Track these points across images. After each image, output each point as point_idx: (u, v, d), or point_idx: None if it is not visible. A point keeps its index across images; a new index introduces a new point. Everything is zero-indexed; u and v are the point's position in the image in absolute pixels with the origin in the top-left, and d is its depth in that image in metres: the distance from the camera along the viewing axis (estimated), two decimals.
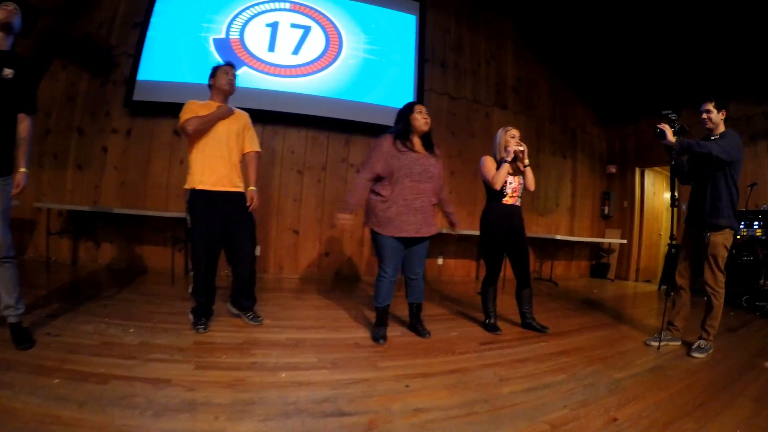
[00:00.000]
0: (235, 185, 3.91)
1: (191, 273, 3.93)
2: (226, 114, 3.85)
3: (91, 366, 2.79)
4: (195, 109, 3.74)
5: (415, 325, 4.19)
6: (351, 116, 7.38)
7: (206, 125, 3.74)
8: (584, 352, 3.85)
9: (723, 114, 4.03)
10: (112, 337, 3.42)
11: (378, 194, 3.85)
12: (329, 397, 2.62)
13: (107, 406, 2.28)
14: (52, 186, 6.57)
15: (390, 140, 3.83)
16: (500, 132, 4.52)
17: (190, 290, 4.03)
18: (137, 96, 6.66)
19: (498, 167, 4.35)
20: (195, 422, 2.23)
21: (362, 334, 4.05)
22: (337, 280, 7.14)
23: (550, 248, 9.01)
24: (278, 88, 7.12)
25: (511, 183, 4.41)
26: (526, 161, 4.43)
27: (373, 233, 3.88)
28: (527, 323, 4.62)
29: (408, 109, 3.96)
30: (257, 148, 4.15)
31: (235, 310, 4.22)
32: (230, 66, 4.01)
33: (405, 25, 8.13)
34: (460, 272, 8.43)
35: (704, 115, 4.04)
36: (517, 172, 4.47)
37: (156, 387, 2.57)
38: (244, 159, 4.10)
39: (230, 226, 3.90)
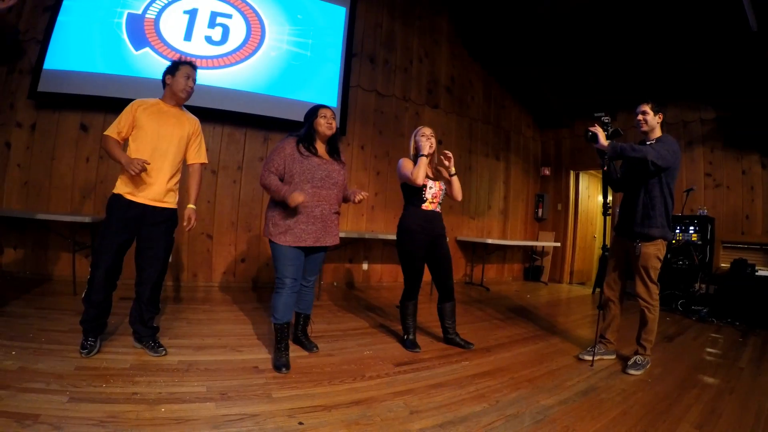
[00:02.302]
0: (165, 200, 3.53)
1: (89, 277, 3.48)
2: (132, 170, 3.26)
3: None
4: (129, 120, 3.42)
5: (300, 338, 3.98)
6: (271, 112, 6.94)
7: (111, 157, 3.38)
8: (510, 373, 3.55)
9: (660, 117, 3.87)
10: None
11: (277, 202, 3.61)
12: None
13: None
14: None
15: (293, 143, 3.64)
16: (414, 133, 4.32)
17: (83, 295, 3.58)
18: (43, 87, 6.04)
19: (415, 162, 4.11)
20: None
21: (265, 354, 3.68)
22: (254, 288, 6.70)
23: (482, 252, 8.83)
24: None
25: (431, 188, 4.15)
26: (453, 169, 4.20)
27: (271, 243, 3.60)
28: (450, 339, 4.31)
29: (312, 112, 3.78)
30: (204, 160, 3.79)
31: (138, 345, 3.65)
32: (193, 68, 3.63)
33: (334, 17, 7.73)
34: (387, 277, 8.11)
35: (639, 117, 3.88)
36: (437, 177, 4.25)
37: (21, 424, 2.24)
38: (187, 170, 3.76)
39: (143, 242, 3.54)
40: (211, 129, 6.74)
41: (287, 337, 3.59)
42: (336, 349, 3.91)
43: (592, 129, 3.77)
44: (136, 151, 3.40)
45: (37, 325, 3.88)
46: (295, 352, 3.73)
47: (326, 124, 3.66)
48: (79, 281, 5.34)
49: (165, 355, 3.47)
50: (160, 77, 3.55)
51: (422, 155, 4.04)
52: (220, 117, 6.72)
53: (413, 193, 4.16)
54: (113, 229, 3.38)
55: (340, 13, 7.76)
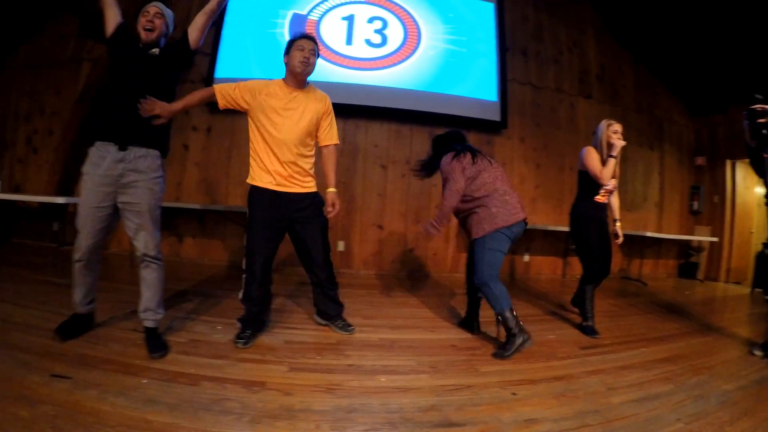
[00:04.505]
0: (302, 185, 3.49)
1: (243, 276, 3.56)
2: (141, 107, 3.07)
3: (180, 365, 2.81)
4: (245, 96, 3.40)
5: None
6: (434, 108, 7.27)
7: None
8: (688, 360, 3.68)
9: None
10: (200, 334, 3.45)
11: None
12: (435, 404, 2.56)
13: (200, 411, 2.27)
14: None
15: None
16: (603, 125, 4.35)
17: (240, 296, 3.74)
18: None
19: (604, 162, 4.23)
20: (295, 431, 2.20)
21: (457, 335, 4.00)
22: (422, 277, 7.04)
23: (639, 246, 8.62)
24: (358, 81, 7.15)
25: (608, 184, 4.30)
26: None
27: None
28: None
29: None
30: (335, 140, 3.64)
31: (322, 321, 3.90)
32: (307, 39, 3.42)
33: (483, 12, 7.95)
34: (546, 269, 8.21)
35: None
36: (614, 174, 4.35)
37: (250, 390, 2.55)
38: (320, 152, 3.63)
39: (297, 227, 3.53)
40: (379, 126, 7.25)
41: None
42: None
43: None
44: (262, 138, 3.37)
45: (231, 305, 4.25)
46: (488, 333, 4.03)
47: None
48: None
49: (354, 332, 3.75)
50: (312, 78, 3.56)
51: (612, 156, 4.16)
52: (387, 115, 7.17)
53: (591, 183, 4.31)
54: (260, 222, 3.42)
55: (489, 8, 7.96)
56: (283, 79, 3.48)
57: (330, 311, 3.82)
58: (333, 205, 3.53)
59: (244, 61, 7.02)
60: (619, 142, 4.19)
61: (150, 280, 3.08)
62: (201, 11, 3.24)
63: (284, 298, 4.83)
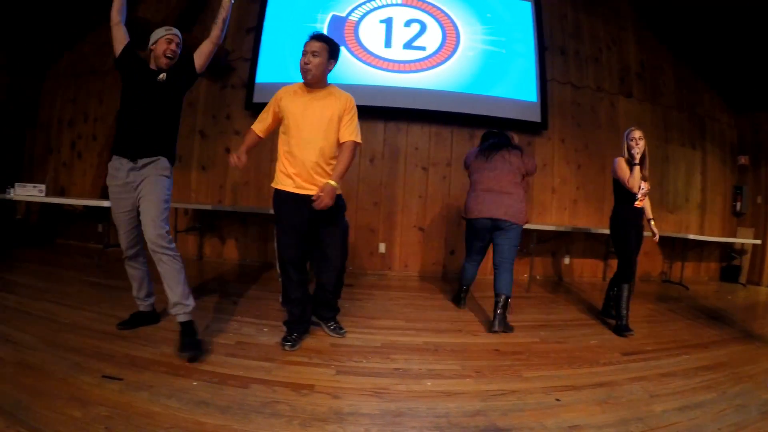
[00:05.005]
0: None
1: (280, 279, 3.63)
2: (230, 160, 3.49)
3: (228, 368, 2.89)
4: (272, 111, 3.56)
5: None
6: (474, 110, 7.26)
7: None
8: (730, 368, 3.66)
9: None
10: (247, 336, 3.54)
11: None
12: (480, 409, 2.60)
13: (251, 414, 2.33)
14: (178, 186, 6.90)
15: None
16: (625, 133, 4.54)
17: (280, 299, 3.81)
18: (257, 98, 6.95)
19: (630, 170, 4.40)
20: None
21: (500, 339, 4.05)
22: None
23: (680, 248, 8.48)
24: (398, 83, 7.16)
25: (642, 188, 4.46)
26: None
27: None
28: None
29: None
30: (354, 138, 3.47)
31: (315, 319, 3.83)
32: (310, 41, 3.39)
33: (521, 12, 7.89)
34: (587, 272, 8.14)
35: None
36: (644, 177, 4.51)
37: (299, 393, 2.61)
38: (339, 148, 3.51)
39: (319, 229, 3.52)
40: (420, 128, 7.29)
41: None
42: (563, 337, 4.22)
43: None
44: (285, 141, 3.42)
45: (276, 306, 4.34)
46: (530, 338, 4.12)
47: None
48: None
49: (345, 334, 3.75)
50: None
51: (636, 164, 4.33)
52: (427, 117, 7.21)
53: (626, 191, 4.49)
54: (285, 225, 3.45)
55: (526, 7, 7.89)
56: (303, 81, 3.48)
57: (326, 314, 3.85)
58: (319, 194, 3.24)
59: (284, 66, 7.11)
60: (635, 150, 4.36)
61: (167, 273, 3.16)
62: (207, 39, 3.57)
63: None
